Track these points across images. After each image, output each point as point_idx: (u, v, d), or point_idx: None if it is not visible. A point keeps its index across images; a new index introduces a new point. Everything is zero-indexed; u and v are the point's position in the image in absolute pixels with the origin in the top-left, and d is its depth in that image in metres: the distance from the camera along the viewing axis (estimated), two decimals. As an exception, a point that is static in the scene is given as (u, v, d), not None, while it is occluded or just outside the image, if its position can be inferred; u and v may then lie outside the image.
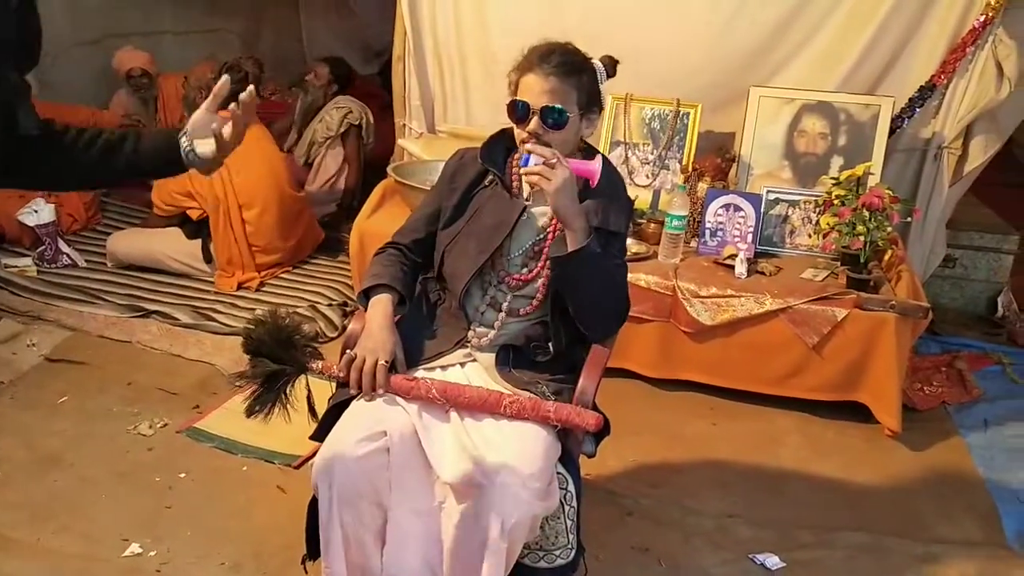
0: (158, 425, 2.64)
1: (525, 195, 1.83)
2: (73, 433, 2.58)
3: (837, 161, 3.16)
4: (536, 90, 1.69)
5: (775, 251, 3.15)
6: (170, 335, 3.19)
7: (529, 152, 1.65)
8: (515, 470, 1.55)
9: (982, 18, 2.98)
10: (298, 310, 3.38)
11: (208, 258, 3.64)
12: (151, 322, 3.28)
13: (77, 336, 3.16)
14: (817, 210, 3.06)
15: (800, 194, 3.14)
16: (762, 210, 3.11)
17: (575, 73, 1.73)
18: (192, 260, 3.66)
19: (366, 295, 1.80)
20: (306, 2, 7.04)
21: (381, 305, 1.76)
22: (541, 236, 1.80)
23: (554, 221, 1.79)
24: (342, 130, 4.39)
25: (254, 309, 3.38)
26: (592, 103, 1.78)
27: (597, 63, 1.82)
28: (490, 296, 1.82)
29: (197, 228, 3.64)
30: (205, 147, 1.48)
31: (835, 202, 2.87)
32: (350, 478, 1.59)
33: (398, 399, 1.67)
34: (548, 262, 1.76)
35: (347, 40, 7.22)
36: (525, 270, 1.81)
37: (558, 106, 1.68)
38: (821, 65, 3.21)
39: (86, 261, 3.79)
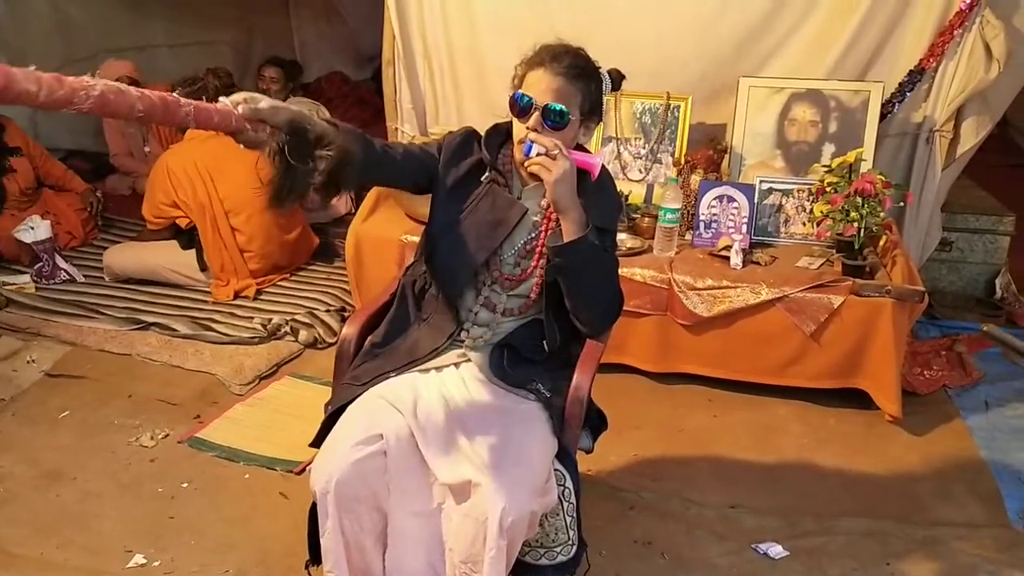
0: (159, 436, 2.65)
1: (518, 191, 1.82)
2: (75, 447, 2.59)
3: (829, 148, 3.16)
4: (542, 87, 1.68)
5: (770, 241, 3.15)
6: (169, 346, 3.20)
7: (532, 141, 1.64)
8: (511, 468, 1.55)
9: (968, 0, 2.98)
10: (296, 317, 3.38)
11: (203, 267, 3.65)
12: (150, 334, 3.29)
13: (77, 351, 3.17)
14: (811, 198, 3.06)
15: (793, 183, 3.14)
16: (756, 200, 3.11)
17: (583, 78, 1.72)
18: (188, 270, 3.67)
19: None
20: (297, 11, 7.05)
21: None
22: (534, 234, 1.80)
23: (546, 218, 1.78)
24: None
25: (252, 317, 3.40)
26: (593, 112, 1.77)
27: (605, 74, 1.81)
28: (484, 296, 1.81)
29: (189, 238, 3.64)
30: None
31: (828, 189, 2.87)
32: (348, 483, 1.60)
33: (394, 406, 1.67)
34: (541, 259, 1.76)
35: (339, 46, 7.24)
36: (518, 269, 1.80)
37: (561, 107, 1.67)
38: (810, 53, 3.21)
39: (84, 276, 3.80)
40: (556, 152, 1.61)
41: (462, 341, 1.82)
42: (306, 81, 7.08)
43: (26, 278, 3.71)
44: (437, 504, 1.67)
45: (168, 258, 3.67)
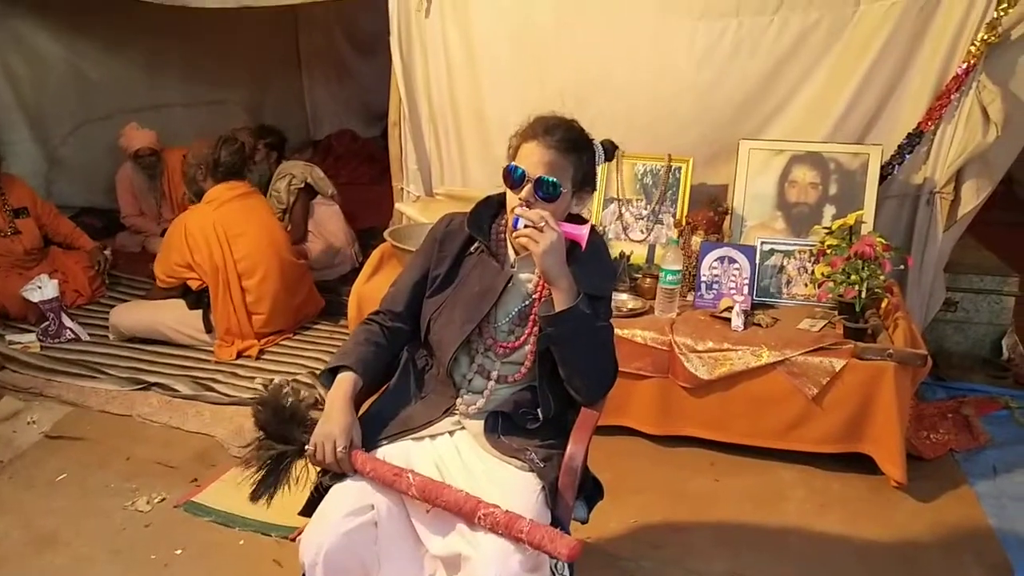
0: (156, 500, 2.63)
1: (511, 260, 1.84)
2: (70, 511, 2.58)
3: (829, 210, 3.17)
4: (535, 159, 1.71)
5: (772, 301, 3.14)
6: (170, 407, 3.19)
7: (519, 216, 1.67)
8: (502, 540, 1.53)
9: (964, 65, 3.02)
10: (298, 377, 3.38)
11: (209, 328, 3.67)
12: (152, 394, 3.30)
13: (78, 412, 3.17)
14: (812, 260, 3.06)
15: (795, 244, 3.15)
16: (757, 261, 3.12)
17: (575, 151, 1.75)
18: (193, 331, 3.69)
19: (332, 374, 1.79)
20: (309, 71, 7.23)
21: (341, 387, 1.74)
22: (527, 302, 1.81)
23: (539, 286, 1.80)
24: (292, 197, 4.43)
25: (254, 378, 3.40)
26: (586, 183, 1.80)
27: (598, 145, 1.84)
28: (478, 364, 1.82)
29: (198, 298, 3.67)
30: None
31: (828, 252, 2.87)
32: (337, 554, 1.58)
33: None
34: (536, 327, 1.77)
35: (349, 105, 7.41)
36: (512, 337, 1.81)
37: (553, 179, 1.70)
38: (809, 116, 3.25)
39: (89, 335, 3.83)
40: (543, 224, 1.63)
41: (456, 409, 1.82)
42: (316, 138, 7.25)
43: (32, 337, 3.74)
44: (428, 575, 1.65)
45: (175, 317, 3.70)
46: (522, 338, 1.79)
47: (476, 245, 1.85)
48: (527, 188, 1.70)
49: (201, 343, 3.71)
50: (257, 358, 3.63)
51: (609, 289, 1.84)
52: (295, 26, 6.94)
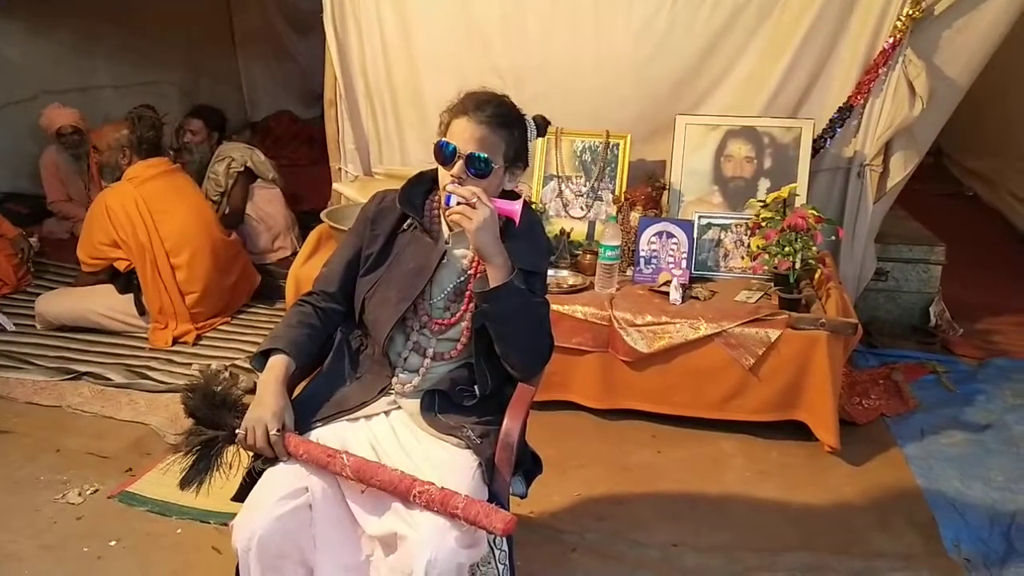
0: (88, 492, 2.56)
1: (445, 237, 1.82)
2: (-3, 506, 2.49)
3: (764, 184, 3.23)
4: (465, 136, 1.69)
5: (711, 275, 3.19)
6: (102, 396, 3.10)
7: (450, 193, 1.65)
8: (438, 517, 1.52)
9: (891, 40, 3.09)
10: (236, 363, 3.31)
11: (142, 311, 3.57)
12: (82, 384, 3.19)
13: (3, 404, 3.05)
14: (748, 233, 3.11)
15: (731, 218, 3.20)
16: (695, 235, 3.15)
17: (506, 126, 1.73)
18: (126, 316, 3.58)
19: (264, 357, 1.75)
20: (244, 50, 7.04)
21: (272, 370, 1.71)
22: (463, 278, 1.80)
23: (475, 262, 1.78)
24: (231, 181, 4.34)
25: (191, 364, 3.32)
26: (518, 158, 1.79)
27: (530, 120, 1.83)
28: (413, 341, 1.80)
29: (127, 281, 3.56)
30: None
31: (763, 224, 2.92)
32: (271, 539, 1.55)
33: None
34: (471, 303, 1.76)
35: (288, 85, 7.26)
36: (448, 313, 1.79)
37: (484, 155, 1.68)
38: (744, 92, 3.29)
39: (15, 324, 3.69)
40: (475, 201, 1.61)
41: (392, 388, 1.80)
42: (254, 120, 7.08)
43: (-46, 328, 3.59)
44: (366, 556, 1.64)
45: (104, 303, 3.58)
46: (458, 315, 1.78)
47: (409, 222, 1.82)
48: (458, 164, 1.68)
49: (135, 329, 3.60)
50: (194, 344, 3.55)
51: (544, 265, 1.84)
52: (228, 4, 6.74)
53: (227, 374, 3.22)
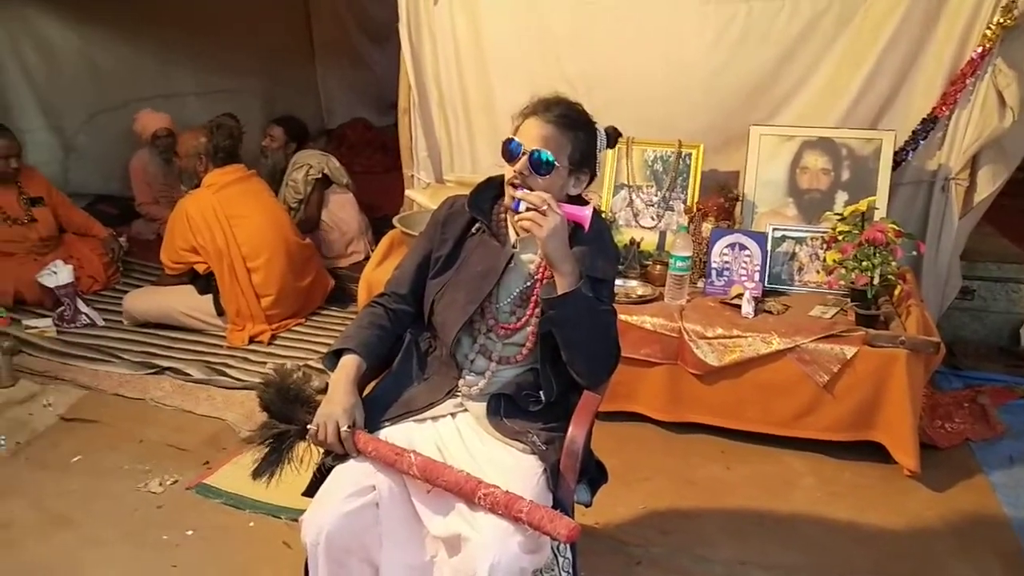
0: (168, 482, 2.66)
1: (512, 241, 1.83)
2: (83, 493, 2.61)
3: (842, 196, 3.14)
4: (532, 134, 1.71)
5: (784, 289, 3.12)
6: (182, 391, 3.22)
7: (519, 199, 1.67)
8: (502, 521, 1.53)
9: (980, 49, 2.97)
10: (309, 363, 3.40)
11: (220, 311, 3.70)
12: (164, 379, 3.33)
13: (92, 395, 3.21)
14: (823, 246, 3.03)
15: (806, 231, 3.13)
16: (768, 248, 3.09)
17: (573, 128, 1.74)
18: (205, 315, 3.72)
19: (336, 356, 1.80)
20: (323, 59, 7.24)
21: (343, 369, 1.75)
22: (529, 283, 1.81)
23: (542, 267, 1.79)
24: (309, 188, 4.44)
25: (265, 363, 3.42)
26: (584, 163, 1.78)
27: (600, 130, 1.82)
28: (480, 344, 1.82)
29: (207, 283, 3.70)
30: None
31: (839, 238, 2.84)
32: (338, 535, 1.59)
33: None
34: (537, 308, 1.77)
35: (363, 93, 7.41)
36: (514, 318, 1.80)
37: (548, 153, 1.69)
38: (821, 102, 3.22)
39: (104, 320, 3.87)
40: (545, 208, 1.62)
41: (459, 391, 1.82)
42: (330, 127, 7.26)
43: (48, 322, 3.78)
44: (430, 557, 1.65)
45: (185, 302, 3.73)
46: (523, 319, 1.79)
47: (477, 226, 1.84)
48: (521, 160, 1.69)
49: (213, 327, 3.74)
50: (269, 344, 3.66)
51: (612, 272, 1.83)
52: (307, 14, 6.94)
53: (300, 373, 3.31)
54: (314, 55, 7.19)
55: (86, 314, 3.84)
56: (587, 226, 1.70)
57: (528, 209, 1.63)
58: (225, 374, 3.34)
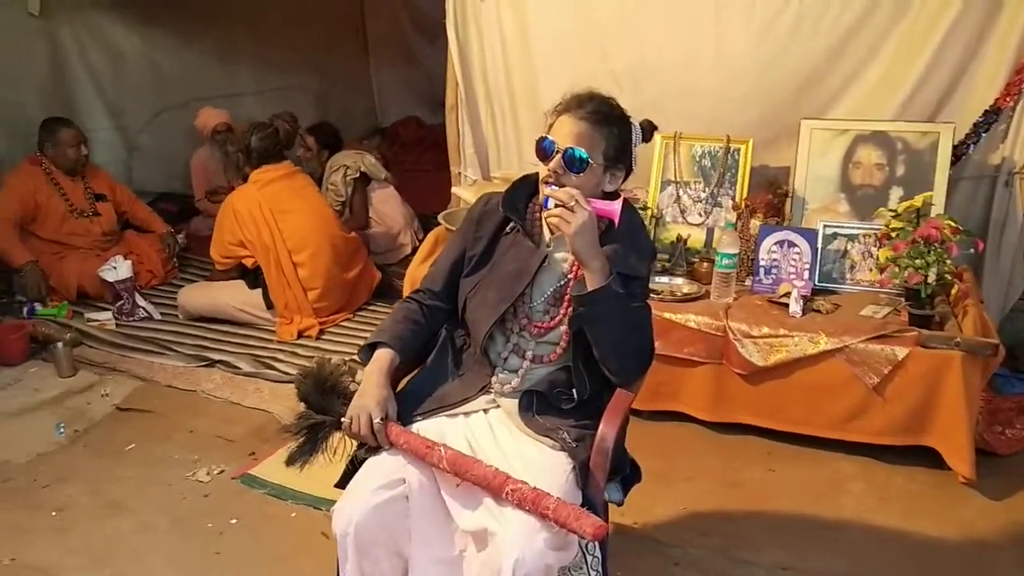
0: (215, 472, 2.73)
1: (547, 240, 1.82)
2: (136, 479, 2.70)
3: (896, 192, 3.04)
4: (565, 131, 1.70)
5: (835, 287, 3.03)
6: (231, 383, 3.31)
7: (548, 196, 1.66)
8: (529, 517, 1.52)
9: (1047, 37, 2.84)
10: (355, 358, 3.43)
11: (269, 305, 3.79)
12: (215, 371, 3.42)
13: (147, 386, 3.32)
14: (876, 244, 2.94)
15: (859, 227, 3.03)
16: (819, 245, 3.01)
17: (606, 124, 1.72)
18: (255, 309, 3.81)
19: (371, 349, 1.81)
20: (376, 57, 7.32)
21: (377, 362, 1.77)
22: (563, 282, 1.79)
23: (575, 266, 1.77)
24: (349, 188, 4.49)
25: (312, 357, 3.46)
26: (619, 159, 1.76)
27: (635, 123, 1.80)
28: (513, 343, 1.81)
29: (256, 278, 3.79)
30: None
31: (892, 235, 2.75)
32: (367, 527, 1.61)
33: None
34: (571, 306, 1.75)
35: (416, 91, 7.46)
36: (547, 317, 1.80)
37: (582, 151, 1.68)
38: (875, 95, 3.11)
39: (161, 314, 4.00)
40: (573, 204, 1.60)
41: (492, 387, 1.82)
42: (383, 125, 7.34)
43: (108, 315, 3.93)
44: (459, 551, 1.66)
45: (236, 297, 3.83)
46: (557, 318, 1.78)
47: (512, 225, 1.84)
48: (556, 159, 1.68)
49: (263, 321, 3.82)
50: (317, 338, 3.72)
51: (644, 268, 1.80)
52: (361, 12, 7.03)
53: (346, 368, 3.36)
54: (368, 53, 7.28)
55: (144, 308, 3.97)
56: (617, 221, 1.68)
57: (557, 205, 1.62)
58: (273, 367, 3.41)
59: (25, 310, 3.93)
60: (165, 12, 5.24)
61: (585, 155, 1.67)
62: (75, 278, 4.09)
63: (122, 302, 3.94)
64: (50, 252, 4.11)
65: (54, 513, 2.53)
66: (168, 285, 4.38)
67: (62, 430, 2.99)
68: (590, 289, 1.64)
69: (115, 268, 3.90)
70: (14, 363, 3.48)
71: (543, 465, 1.66)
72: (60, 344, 3.42)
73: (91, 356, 3.56)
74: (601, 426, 1.69)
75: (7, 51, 4.61)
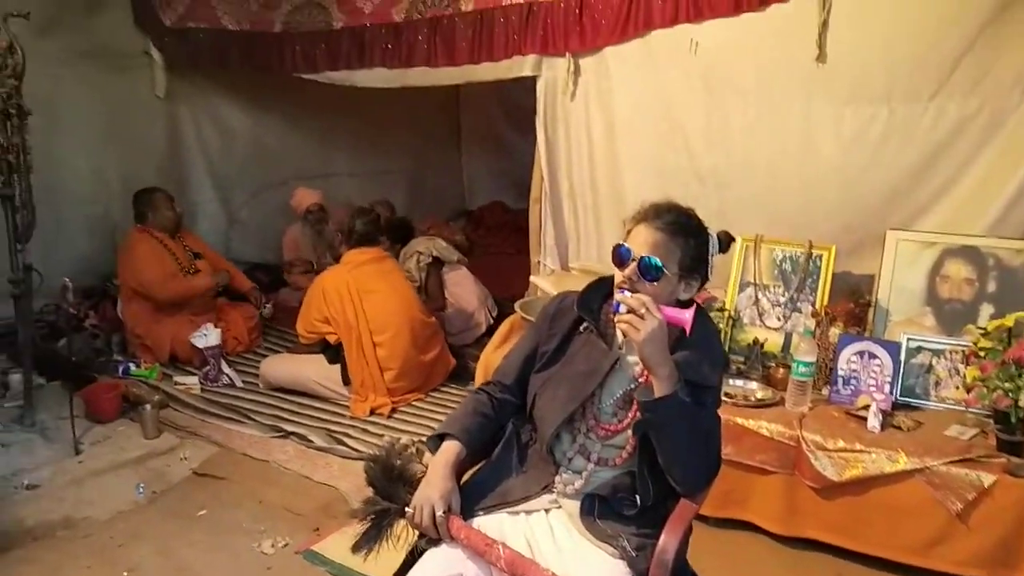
0: (279, 544, 2.78)
1: (619, 342, 1.84)
2: (205, 545, 2.77)
3: (987, 309, 2.94)
4: (641, 240, 1.74)
5: (918, 403, 2.92)
6: (303, 456, 3.39)
7: (619, 301, 1.69)
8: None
9: None
10: (424, 438, 3.48)
11: (347, 380, 3.89)
12: (288, 443, 3.52)
13: (223, 452, 3.44)
14: (964, 361, 2.83)
15: (945, 343, 2.93)
16: (902, 358, 2.92)
17: (683, 235, 1.76)
18: (333, 384, 3.92)
19: (439, 439, 1.85)
20: (468, 146, 7.64)
21: (444, 454, 1.80)
22: (633, 385, 1.80)
23: (645, 370, 1.78)
24: (423, 273, 4.63)
25: (383, 435, 3.54)
26: (695, 269, 1.78)
27: (713, 234, 1.83)
28: (579, 444, 1.81)
29: (336, 354, 3.91)
30: None
31: (980, 354, 2.65)
32: (424, 621, 1.61)
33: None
34: (638, 409, 1.76)
35: (503, 178, 7.70)
36: (615, 419, 1.80)
37: (656, 260, 1.71)
38: (966, 208, 3.04)
39: (243, 381, 4.16)
40: (643, 311, 1.62)
41: (555, 487, 1.82)
42: (469, 208, 7.59)
43: (194, 379, 4.11)
44: (511, 651, 1.64)
45: (316, 371, 3.95)
46: (625, 421, 1.78)
47: (585, 325, 1.87)
48: (630, 267, 1.72)
49: (339, 396, 3.93)
50: (389, 416, 3.79)
51: (715, 378, 1.79)
52: (457, 102, 7.36)
53: (414, 449, 3.41)
54: (460, 141, 7.59)
55: (228, 375, 4.14)
56: (688, 330, 1.69)
57: (628, 311, 1.64)
58: (344, 443, 3.48)
59: (120, 369, 4.15)
60: (275, 96, 5.62)
61: (660, 264, 1.70)
62: (168, 341, 4.31)
63: (208, 368, 4.12)
64: (148, 316, 4.34)
65: (126, 573, 2.61)
66: (251, 353, 4.56)
67: (141, 490, 3.11)
68: (657, 396, 1.65)
69: (206, 335, 4.10)
70: (106, 420, 3.65)
71: (601, 572, 1.64)
72: (148, 406, 3.58)
73: (175, 419, 3.72)
74: (663, 536, 1.67)
75: (134, 129, 5.06)
